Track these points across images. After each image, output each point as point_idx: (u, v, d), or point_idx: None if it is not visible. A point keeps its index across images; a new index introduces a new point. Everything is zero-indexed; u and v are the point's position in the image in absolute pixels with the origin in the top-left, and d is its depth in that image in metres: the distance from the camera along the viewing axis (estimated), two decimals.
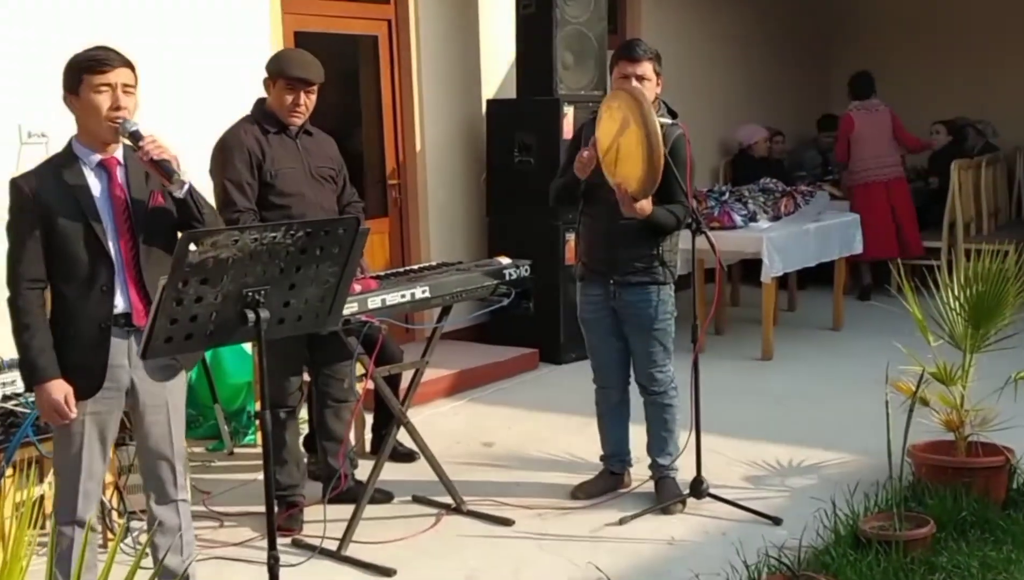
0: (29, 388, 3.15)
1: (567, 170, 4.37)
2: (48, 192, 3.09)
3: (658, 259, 4.33)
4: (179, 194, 3.15)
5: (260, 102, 4.36)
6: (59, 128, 3.48)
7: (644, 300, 4.35)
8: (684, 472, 4.51)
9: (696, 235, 4.27)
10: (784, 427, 5.47)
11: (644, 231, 4.27)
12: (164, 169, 3.11)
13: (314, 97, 4.30)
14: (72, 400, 3.09)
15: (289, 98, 4.23)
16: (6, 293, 3.11)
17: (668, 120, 4.31)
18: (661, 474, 4.53)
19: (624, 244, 4.32)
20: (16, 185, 3.12)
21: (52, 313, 3.14)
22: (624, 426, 4.64)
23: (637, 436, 4.64)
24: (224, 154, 4.23)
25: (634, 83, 4.21)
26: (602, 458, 4.71)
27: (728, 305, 8.08)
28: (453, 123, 7.23)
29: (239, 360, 5.46)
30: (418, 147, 7.03)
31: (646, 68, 4.26)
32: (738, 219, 6.99)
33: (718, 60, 9.68)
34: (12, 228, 3.11)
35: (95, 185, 3.15)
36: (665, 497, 4.46)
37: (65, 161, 3.16)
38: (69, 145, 3.19)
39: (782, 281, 7.61)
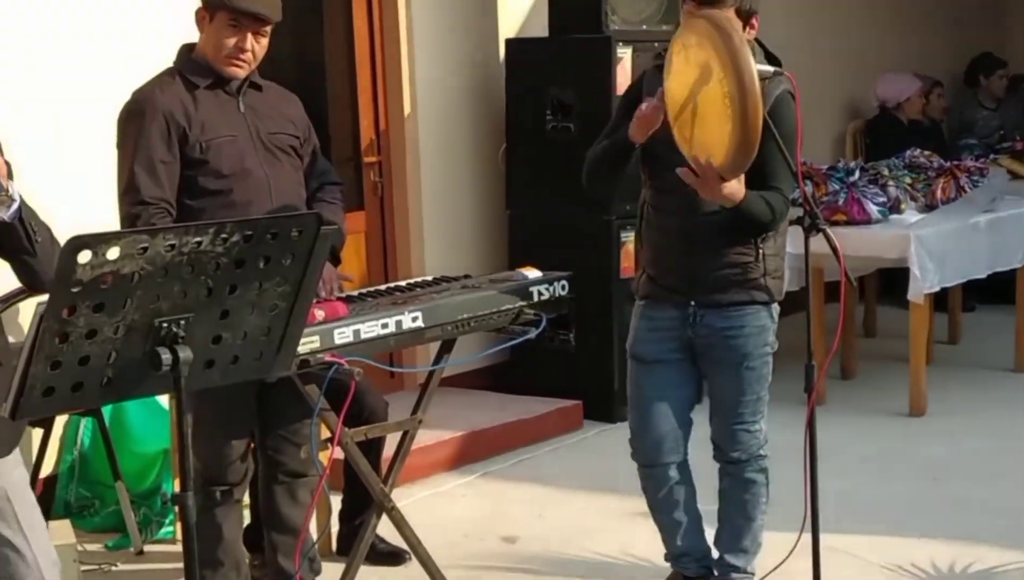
0: None
1: (615, 134, 4.37)
2: None
3: (761, 267, 4.36)
4: (4, 216, 3.16)
5: (186, 49, 4.41)
6: None
7: (739, 326, 4.38)
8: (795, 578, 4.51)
9: (811, 234, 4.27)
10: (943, 514, 5.47)
11: (737, 228, 4.30)
12: None
13: (265, 42, 4.34)
14: None
15: (232, 40, 4.27)
16: None
17: (768, 68, 4.33)
18: None
19: (711, 247, 4.34)
20: None
21: None
22: (693, 510, 4.64)
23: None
24: (131, 123, 4.26)
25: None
26: (668, 558, 4.73)
27: (860, 336, 8.07)
28: (457, 75, 7.27)
29: (151, 420, 5.48)
30: (406, 110, 7.07)
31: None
32: (874, 210, 6.98)
33: None
34: None
35: None
36: None
37: None
38: None
39: (939, 300, 7.59)
